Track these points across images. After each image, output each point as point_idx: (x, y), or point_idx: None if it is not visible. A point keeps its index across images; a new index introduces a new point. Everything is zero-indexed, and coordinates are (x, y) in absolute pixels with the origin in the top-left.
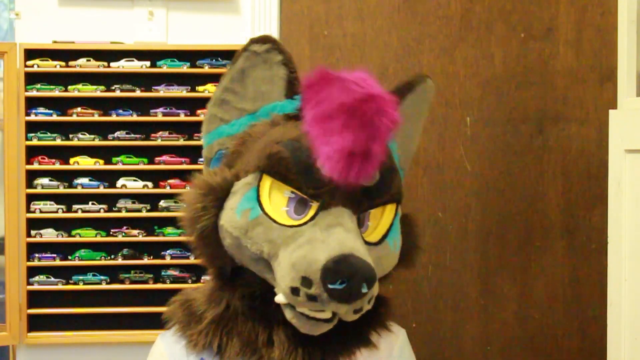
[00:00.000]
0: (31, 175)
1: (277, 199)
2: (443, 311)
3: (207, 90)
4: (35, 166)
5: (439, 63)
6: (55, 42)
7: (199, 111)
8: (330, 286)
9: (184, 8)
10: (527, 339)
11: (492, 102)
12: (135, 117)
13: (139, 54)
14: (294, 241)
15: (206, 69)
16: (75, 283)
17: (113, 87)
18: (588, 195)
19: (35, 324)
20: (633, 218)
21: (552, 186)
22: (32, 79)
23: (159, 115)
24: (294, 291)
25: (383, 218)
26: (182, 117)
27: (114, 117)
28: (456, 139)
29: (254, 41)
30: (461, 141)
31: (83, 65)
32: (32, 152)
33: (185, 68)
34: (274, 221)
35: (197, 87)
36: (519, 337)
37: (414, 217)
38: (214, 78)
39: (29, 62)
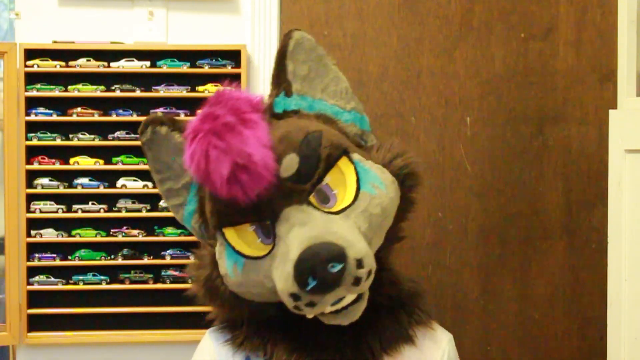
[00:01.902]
0: (31, 175)
1: (247, 238)
2: (443, 311)
3: (207, 90)
4: (35, 166)
5: (439, 63)
6: (55, 42)
7: (199, 111)
8: (309, 288)
9: (184, 8)
10: (527, 339)
11: (492, 102)
12: (135, 117)
13: (139, 54)
14: (275, 263)
15: (206, 69)
16: (75, 283)
17: (113, 87)
18: (588, 195)
19: (35, 324)
20: (633, 218)
21: (552, 186)
22: (32, 79)
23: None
24: (297, 308)
25: (345, 176)
26: (182, 117)
27: (114, 117)
28: (456, 139)
29: (141, 133)
30: (461, 141)
31: (83, 65)
32: (32, 152)
33: (185, 68)
34: (258, 258)
35: (197, 87)
36: (519, 337)
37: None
38: (214, 78)
39: (29, 62)
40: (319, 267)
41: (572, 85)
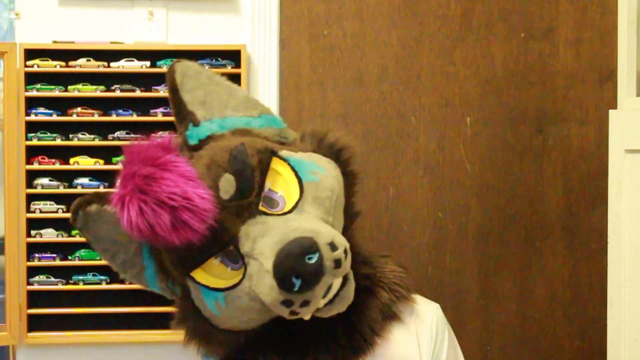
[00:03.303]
0: (31, 175)
1: (217, 272)
2: (443, 311)
3: None
4: (35, 166)
5: (439, 63)
6: (55, 42)
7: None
8: (296, 289)
9: (184, 8)
10: (527, 339)
11: (492, 102)
12: (135, 117)
13: (139, 54)
14: (254, 282)
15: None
16: (75, 283)
17: (113, 87)
18: (588, 195)
19: (35, 324)
20: (633, 218)
21: (552, 186)
22: (32, 79)
23: (159, 115)
24: (293, 313)
25: (283, 175)
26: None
27: (114, 117)
28: (456, 139)
29: (73, 221)
30: (461, 141)
31: (83, 65)
32: (32, 152)
33: None
34: (236, 285)
35: None
36: (519, 337)
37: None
38: None
39: (29, 62)
40: (297, 263)
41: (572, 85)
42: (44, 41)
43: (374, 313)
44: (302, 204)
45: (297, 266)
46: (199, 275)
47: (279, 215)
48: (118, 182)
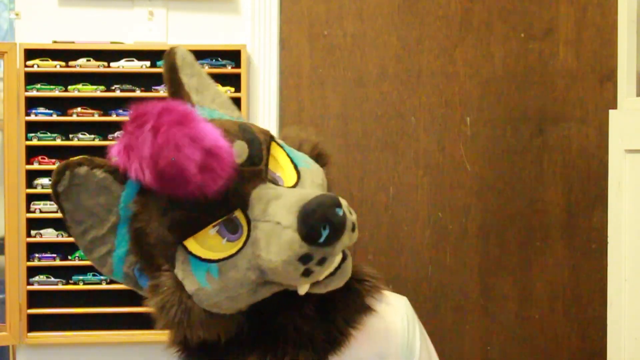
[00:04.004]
0: (31, 175)
1: (210, 243)
2: (443, 311)
3: None
4: (35, 166)
5: (439, 63)
6: (55, 42)
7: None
8: (323, 239)
9: (184, 8)
10: (527, 339)
11: (492, 102)
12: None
13: (139, 54)
14: (261, 245)
15: (206, 69)
16: (75, 283)
17: (113, 87)
18: (588, 195)
19: (35, 324)
20: (633, 218)
21: (552, 186)
22: (32, 79)
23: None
24: (306, 273)
25: (279, 160)
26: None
27: (114, 117)
28: (456, 139)
29: (56, 182)
30: (461, 141)
31: (83, 65)
32: (32, 152)
33: None
34: (233, 255)
35: None
36: (519, 337)
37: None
38: (214, 78)
39: (29, 62)
40: (329, 212)
41: (572, 85)
42: (44, 41)
43: (347, 306)
44: (301, 184)
45: (329, 214)
46: (191, 245)
47: (287, 187)
48: (148, 115)
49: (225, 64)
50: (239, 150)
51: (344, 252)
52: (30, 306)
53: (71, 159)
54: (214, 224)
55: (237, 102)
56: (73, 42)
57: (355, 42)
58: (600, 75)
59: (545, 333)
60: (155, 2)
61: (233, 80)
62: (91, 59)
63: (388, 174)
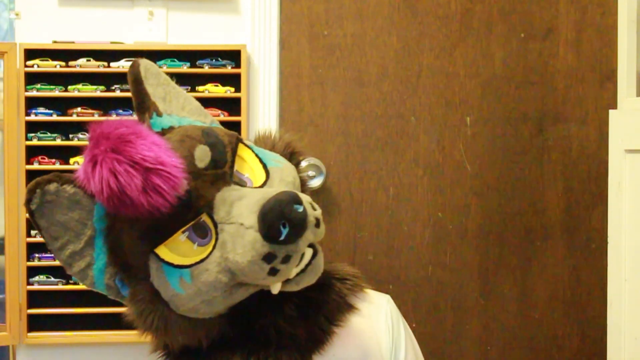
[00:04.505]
0: (31, 175)
1: (182, 249)
2: (443, 311)
3: (207, 90)
4: (35, 166)
5: (439, 63)
6: (55, 42)
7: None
8: (283, 237)
9: (184, 8)
10: (527, 339)
11: (492, 102)
12: (135, 117)
13: (139, 54)
14: (228, 248)
15: (206, 69)
16: (75, 283)
17: (113, 87)
18: (588, 195)
19: (35, 324)
20: (633, 218)
21: (552, 186)
22: (32, 79)
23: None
24: (272, 272)
25: (247, 161)
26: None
27: (114, 117)
28: (456, 139)
29: (28, 201)
30: (461, 141)
31: (83, 65)
32: (32, 152)
33: (185, 68)
34: (204, 259)
35: (197, 87)
36: (519, 337)
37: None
38: (214, 78)
39: (29, 62)
40: (287, 209)
41: (572, 85)
42: (44, 41)
43: (329, 304)
44: (270, 183)
45: (286, 212)
46: (163, 252)
47: (251, 188)
48: (88, 144)
49: (225, 64)
50: (201, 155)
51: (314, 248)
52: (30, 306)
53: (42, 177)
54: (182, 229)
55: (237, 102)
56: (73, 42)
57: (355, 42)
58: (600, 75)
59: (545, 333)
60: (155, 2)
61: (233, 80)
62: (91, 59)
63: (388, 174)
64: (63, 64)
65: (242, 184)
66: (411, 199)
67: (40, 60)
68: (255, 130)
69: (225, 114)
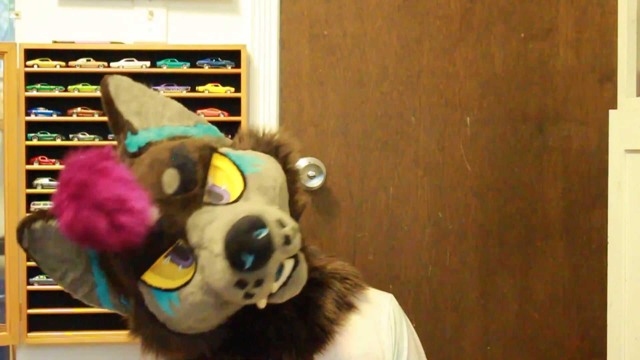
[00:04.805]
0: (31, 175)
1: (168, 272)
2: (443, 311)
3: (207, 90)
4: (35, 166)
5: (439, 63)
6: (55, 42)
7: (199, 111)
8: (248, 266)
9: (184, 8)
10: (527, 339)
11: (492, 102)
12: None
13: (139, 54)
14: (206, 272)
15: (206, 69)
16: None
17: None
18: (588, 195)
19: (35, 324)
20: (633, 218)
21: (552, 186)
22: (32, 79)
23: (185, 108)
24: (248, 296)
25: (225, 170)
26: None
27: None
28: (456, 139)
29: (19, 241)
30: (461, 141)
31: (83, 65)
32: (32, 152)
33: (185, 68)
34: (188, 282)
35: (197, 87)
36: (519, 337)
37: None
38: (214, 78)
39: (29, 62)
40: (247, 238)
41: (572, 85)
42: (44, 41)
43: (329, 304)
44: (246, 193)
45: (246, 241)
46: (150, 278)
47: (226, 205)
48: (55, 191)
49: (225, 64)
50: (169, 180)
51: (296, 258)
52: (30, 306)
53: (27, 215)
54: (163, 255)
55: (237, 102)
56: (73, 42)
57: (355, 42)
58: (600, 75)
59: (545, 333)
60: (155, 2)
61: (233, 80)
62: (91, 59)
63: (388, 174)
64: (63, 64)
65: (218, 198)
66: (411, 199)
67: (40, 60)
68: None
69: (225, 114)
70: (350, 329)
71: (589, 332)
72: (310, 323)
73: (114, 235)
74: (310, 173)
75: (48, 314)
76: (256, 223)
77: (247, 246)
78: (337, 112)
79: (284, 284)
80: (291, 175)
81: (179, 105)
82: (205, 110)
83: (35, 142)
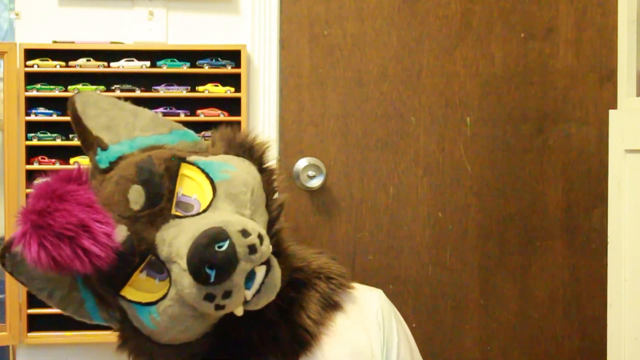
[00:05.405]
0: (31, 175)
1: (146, 286)
2: (443, 311)
3: (207, 90)
4: (35, 166)
5: (439, 63)
6: (55, 42)
7: (199, 111)
8: (212, 280)
9: (184, 8)
10: (527, 339)
11: (492, 102)
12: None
13: (139, 54)
14: (179, 287)
15: (206, 69)
16: None
17: (113, 87)
18: (588, 195)
19: (35, 324)
20: (633, 218)
21: (552, 186)
22: (32, 79)
23: (159, 115)
24: (219, 307)
25: (194, 179)
26: (182, 117)
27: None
28: (456, 139)
29: (2, 265)
30: (461, 141)
31: (83, 65)
32: (32, 152)
33: (185, 68)
34: (165, 296)
35: (197, 87)
36: (519, 337)
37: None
38: (214, 78)
39: (29, 62)
40: (207, 253)
41: (572, 85)
42: (44, 41)
43: (313, 304)
44: (215, 202)
45: (207, 256)
46: (129, 293)
47: (194, 216)
48: (18, 220)
49: (225, 64)
50: (135, 197)
51: (268, 264)
52: (30, 306)
53: (6, 240)
54: (138, 270)
55: (237, 102)
56: (73, 42)
57: (355, 42)
58: (600, 75)
59: (545, 333)
60: (155, 2)
61: (233, 80)
62: (91, 59)
63: (388, 174)
64: (63, 64)
65: (188, 208)
66: (411, 199)
67: (40, 60)
68: (256, 130)
69: (225, 114)
70: (336, 329)
71: (589, 332)
72: (294, 325)
73: (80, 261)
74: (310, 173)
75: (48, 314)
76: (217, 236)
77: (208, 261)
78: (337, 112)
79: (258, 291)
80: (267, 175)
81: (152, 114)
82: (205, 110)
83: (35, 142)
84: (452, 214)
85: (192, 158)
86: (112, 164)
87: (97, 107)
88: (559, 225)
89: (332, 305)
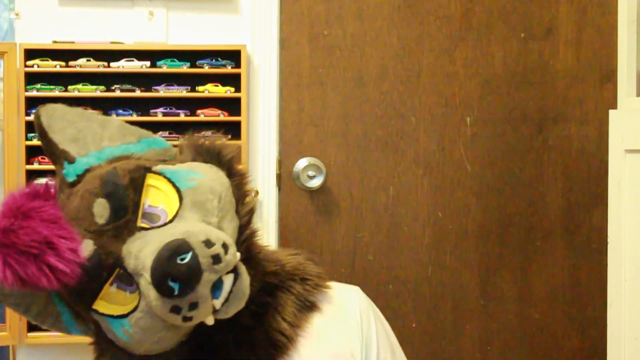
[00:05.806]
0: (31, 175)
1: (117, 299)
2: (443, 311)
3: (207, 90)
4: (35, 166)
5: (439, 63)
6: (55, 42)
7: (199, 111)
8: (177, 293)
9: (184, 8)
10: (527, 339)
11: (492, 102)
12: (135, 117)
13: (139, 54)
14: (148, 299)
15: (206, 69)
16: None
17: (113, 87)
18: (588, 195)
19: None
20: (633, 218)
21: (552, 186)
22: (32, 79)
23: (159, 115)
24: (187, 319)
25: (160, 189)
26: (182, 117)
27: (113, 117)
28: (456, 139)
29: None
30: (461, 141)
31: (83, 65)
32: (32, 152)
33: (185, 68)
34: (135, 308)
35: (197, 87)
36: (519, 337)
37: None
38: (214, 78)
39: (29, 62)
40: (168, 266)
41: (572, 85)
42: (44, 41)
43: (288, 307)
44: (182, 211)
45: (168, 269)
46: (101, 306)
47: (160, 227)
48: None
49: (225, 64)
50: (100, 211)
51: (235, 272)
52: None
53: None
54: (108, 283)
55: (237, 102)
56: (73, 42)
57: (355, 42)
58: (600, 75)
59: (545, 333)
60: (155, 2)
61: (233, 80)
62: (91, 59)
63: (388, 174)
64: (63, 64)
65: (154, 219)
66: (411, 199)
67: (40, 60)
68: (255, 130)
69: (225, 114)
70: (313, 331)
71: (589, 332)
72: (269, 329)
73: (46, 278)
74: (310, 173)
75: None
76: (179, 248)
77: (170, 274)
78: (337, 112)
79: (226, 299)
80: (237, 180)
81: (120, 122)
82: (205, 110)
83: (35, 142)
84: (452, 214)
85: (158, 167)
86: (80, 177)
87: (63, 119)
88: (559, 225)
89: (308, 307)
